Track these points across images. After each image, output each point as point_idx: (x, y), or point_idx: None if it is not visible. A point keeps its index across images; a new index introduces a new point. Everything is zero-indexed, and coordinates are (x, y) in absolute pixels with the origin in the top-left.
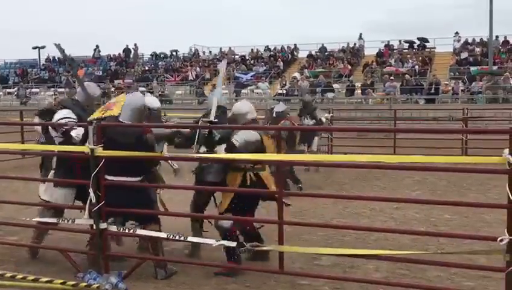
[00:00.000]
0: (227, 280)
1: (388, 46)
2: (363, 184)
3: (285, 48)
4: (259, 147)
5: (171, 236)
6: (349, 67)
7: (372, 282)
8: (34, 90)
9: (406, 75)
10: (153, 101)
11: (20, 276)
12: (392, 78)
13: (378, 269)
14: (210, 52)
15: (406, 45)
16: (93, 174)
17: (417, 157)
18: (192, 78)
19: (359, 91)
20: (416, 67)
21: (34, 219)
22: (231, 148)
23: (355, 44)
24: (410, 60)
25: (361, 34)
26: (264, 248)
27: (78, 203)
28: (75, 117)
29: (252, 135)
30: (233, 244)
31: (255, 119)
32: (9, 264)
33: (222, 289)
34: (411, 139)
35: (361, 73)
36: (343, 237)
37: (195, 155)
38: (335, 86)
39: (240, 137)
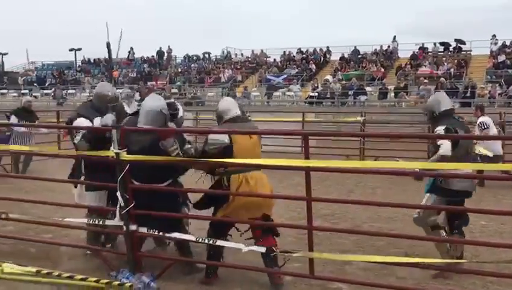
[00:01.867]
0: (259, 283)
1: (422, 48)
2: (396, 188)
3: (318, 51)
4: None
5: (200, 239)
6: (383, 70)
7: (405, 289)
8: (70, 91)
9: (441, 78)
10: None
11: (55, 273)
12: (426, 81)
13: (412, 275)
14: (242, 54)
15: (441, 48)
16: (119, 178)
17: (453, 165)
18: (224, 80)
19: (392, 94)
20: (452, 70)
21: (66, 219)
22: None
23: (388, 46)
24: (445, 63)
25: (395, 36)
26: (294, 255)
27: None
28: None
29: (217, 137)
30: (263, 249)
31: (234, 117)
32: (45, 261)
33: (251, 289)
34: None
35: (395, 76)
36: (376, 242)
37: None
38: (367, 88)
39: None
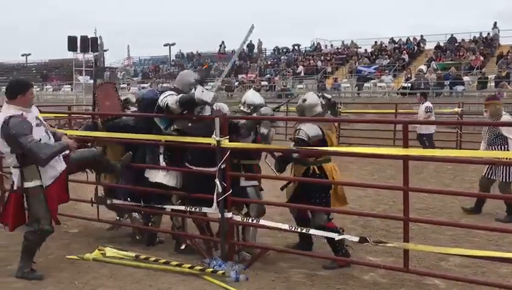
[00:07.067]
0: (350, 275)
1: None
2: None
3: (411, 40)
4: (322, 141)
5: (293, 228)
6: (482, 58)
7: (507, 288)
8: (165, 85)
9: None
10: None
11: (152, 258)
12: None
13: None
14: (331, 45)
15: None
16: (219, 165)
17: None
18: (313, 72)
19: (492, 84)
20: None
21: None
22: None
23: (488, 34)
24: None
25: (495, 22)
26: (389, 245)
27: None
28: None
29: (313, 130)
30: (356, 239)
31: (320, 113)
32: (142, 248)
33: (345, 283)
34: None
35: (495, 64)
36: (473, 238)
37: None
38: (465, 78)
39: (303, 133)
